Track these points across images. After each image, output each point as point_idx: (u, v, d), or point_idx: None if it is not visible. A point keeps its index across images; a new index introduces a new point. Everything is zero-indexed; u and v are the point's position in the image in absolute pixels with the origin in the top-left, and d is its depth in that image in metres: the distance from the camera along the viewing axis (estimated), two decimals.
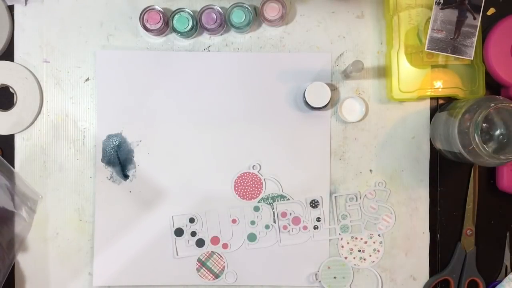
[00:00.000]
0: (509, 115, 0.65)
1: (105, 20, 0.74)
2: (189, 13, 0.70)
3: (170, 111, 0.74)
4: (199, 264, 0.74)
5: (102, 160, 0.74)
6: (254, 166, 0.74)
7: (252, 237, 0.74)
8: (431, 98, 0.74)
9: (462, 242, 0.74)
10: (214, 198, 0.74)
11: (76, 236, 0.74)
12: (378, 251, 0.74)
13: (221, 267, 0.74)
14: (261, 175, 0.74)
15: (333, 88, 0.74)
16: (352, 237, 0.74)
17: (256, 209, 0.74)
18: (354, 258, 0.74)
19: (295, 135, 0.73)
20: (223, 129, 0.74)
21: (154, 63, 0.74)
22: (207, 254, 0.74)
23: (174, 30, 0.71)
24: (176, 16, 0.71)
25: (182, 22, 0.70)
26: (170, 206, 0.74)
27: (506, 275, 0.74)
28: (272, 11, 0.70)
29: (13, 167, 0.74)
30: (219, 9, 0.70)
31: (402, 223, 0.74)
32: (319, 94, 0.70)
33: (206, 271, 0.74)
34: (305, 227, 0.74)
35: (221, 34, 0.74)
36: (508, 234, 0.75)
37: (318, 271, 0.74)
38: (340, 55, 0.74)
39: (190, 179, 0.74)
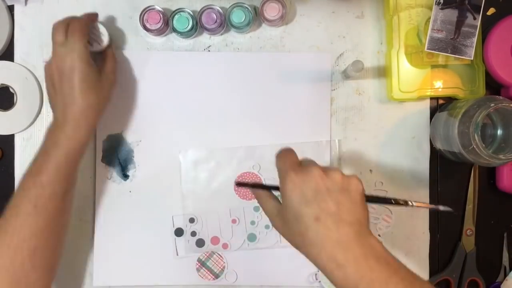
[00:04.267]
0: (509, 115, 0.65)
1: (105, 20, 0.74)
2: (189, 13, 0.70)
3: (170, 111, 0.74)
4: (199, 264, 0.74)
5: (102, 160, 0.74)
6: (254, 166, 0.74)
7: (252, 237, 0.74)
8: (431, 98, 0.74)
9: (462, 242, 0.74)
10: (214, 198, 0.74)
11: (76, 236, 0.74)
12: None
13: (221, 267, 0.74)
14: (261, 175, 0.74)
15: (333, 88, 0.74)
16: None
17: (256, 209, 0.74)
18: None
19: (295, 135, 0.73)
20: (223, 129, 0.74)
21: (154, 63, 0.74)
22: (207, 254, 0.74)
23: (174, 30, 0.71)
24: (176, 16, 0.71)
25: (182, 22, 0.70)
26: (170, 206, 0.74)
27: (505, 275, 0.74)
28: (272, 11, 0.70)
29: (13, 167, 0.74)
30: (219, 9, 0.70)
31: (402, 223, 0.74)
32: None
33: (206, 271, 0.74)
34: None
35: (221, 34, 0.74)
36: (505, 235, 0.75)
37: (318, 271, 0.74)
38: (340, 55, 0.74)
39: None
